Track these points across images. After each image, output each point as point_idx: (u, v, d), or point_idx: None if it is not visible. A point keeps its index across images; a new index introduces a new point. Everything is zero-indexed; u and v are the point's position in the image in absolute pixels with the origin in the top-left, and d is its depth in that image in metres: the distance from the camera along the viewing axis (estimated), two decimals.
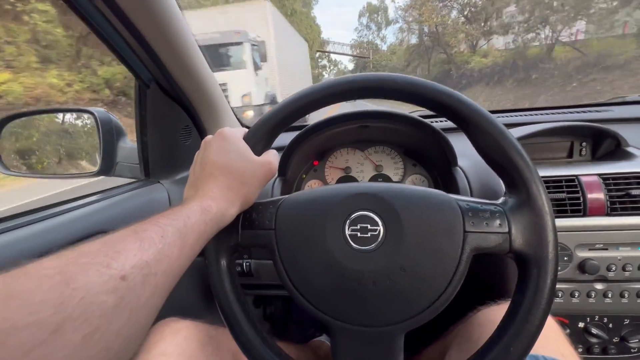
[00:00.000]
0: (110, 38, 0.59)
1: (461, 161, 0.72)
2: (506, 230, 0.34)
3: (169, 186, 0.79)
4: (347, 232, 0.37)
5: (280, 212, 0.39)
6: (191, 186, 0.39)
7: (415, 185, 0.79)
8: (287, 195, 0.42)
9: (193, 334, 0.48)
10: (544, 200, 0.33)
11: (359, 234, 0.37)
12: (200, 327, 0.50)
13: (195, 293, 0.85)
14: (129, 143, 0.80)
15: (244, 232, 0.40)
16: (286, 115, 0.40)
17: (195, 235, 0.31)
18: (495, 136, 0.35)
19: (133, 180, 0.79)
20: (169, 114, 0.76)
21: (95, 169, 0.78)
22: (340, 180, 0.85)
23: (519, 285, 0.34)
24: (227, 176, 0.37)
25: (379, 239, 0.36)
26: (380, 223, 0.36)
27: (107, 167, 0.79)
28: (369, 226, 0.37)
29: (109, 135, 0.78)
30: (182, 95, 0.74)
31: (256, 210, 0.40)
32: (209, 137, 0.41)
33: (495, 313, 0.50)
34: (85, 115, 0.79)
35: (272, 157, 0.41)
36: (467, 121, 0.36)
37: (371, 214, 0.37)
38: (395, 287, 0.35)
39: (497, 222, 0.34)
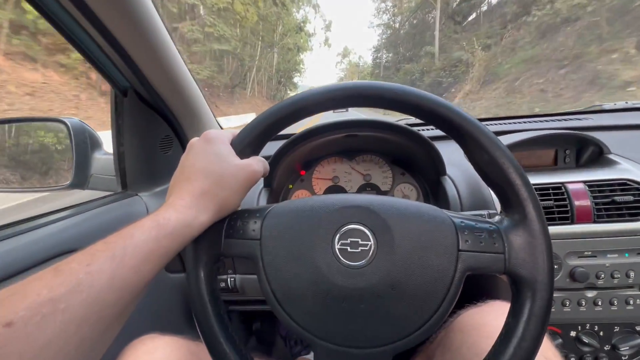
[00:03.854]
0: (83, 43, 0.56)
1: (450, 170, 0.71)
2: (502, 250, 0.32)
3: (148, 199, 0.75)
4: (337, 247, 0.35)
5: (267, 222, 0.37)
6: (168, 192, 0.37)
7: (406, 197, 0.80)
8: (275, 204, 0.39)
9: (172, 351, 0.45)
10: (540, 221, 0.32)
11: (348, 249, 0.35)
12: (180, 343, 0.47)
13: (178, 309, 0.80)
14: (105, 154, 0.76)
15: (227, 241, 0.37)
16: (277, 120, 0.38)
17: (140, 256, 0.30)
18: (493, 153, 0.34)
19: (109, 193, 0.75)
20: (147, 124, 0.72)
21: (67, 181, 0.74)
22: (328, 190, 0.83)
23: (513, 309, 0.33)
24: (202, 180, 0.35)
25: (370, 255, 0.34)
26: (371, 238, 0.35)
27: (81, 180, 0.74)
28: (359, 241, 0.35)
29: (83, 145, 0.74)
30: (161, 104, 0.70)
31: (241, 218, 0.38)
32: (194, 139, 0.39)
33: (475, 317, 0.50)
34: (57, 125, 0.74)
35: (254, 161, 0.39)
36: (465, 135, 0.35)
37: (363, 228, 0.35)
38: (385, 306, 0.33)
39: (493, 241, 0.33)
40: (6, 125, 0.74)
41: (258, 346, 1.11)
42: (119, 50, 0.56)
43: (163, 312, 0.77)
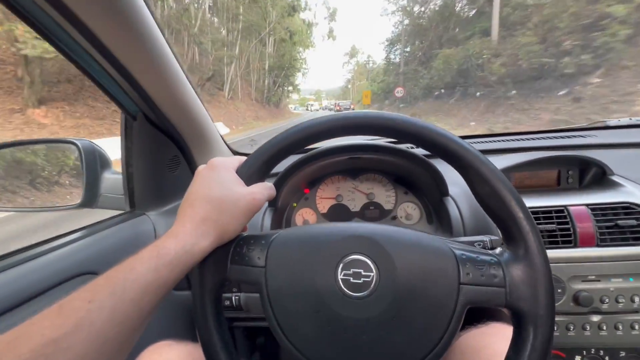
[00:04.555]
0: (92, 71, 0.58)
1: (452, 189, 0.71)
2: (502, 284, 0.33)
3: (156, 218, 0.77)
4: (340, 277, 0.35)
5: (272, 249, 0.38)
6: (175, 220, 0.38)
7: (409, 216, 0.80)
8: (279, 231, 0.40)
9: None
10: (542, 255, 0.33)
11: (351, 279, 0.35)
12: (196, 353, 0.48)
13: (183, 326, 0.81)
14: (114, 174, 0.78)
15: (233, 267, 0.38)
16: (283, 147, 0.39)
17: (139, 288, 0.30)
18: (494, 185, 0.34)
19: (118, 213, 0.77)
20: (156, 145, 0.74)
21: (77, 201, 0.76)
22: (331, 209, 0.84)
23: (514, 343, 0.33)
24: (203, 206, 0.36)
25: (372, 286, 0.35)
26: (374, 269, 0.35)
27: (90, 199, 0.76)
28: (362, 271, 0.35)
29: (93, 166, 0.76)
30: (169, 126, 0.72)
31: (247, 244, 0.39)
32: (201, 167, 0.40)
33: (476, 339, 0.50)
34: (69, 146, 0.76)
35: (257, 188, 0.39)
36: (467, 167, 0.36)
37: (365, 259, 0.36)
38: (386, 337, 0.34)
39: (494, 274, 0.33)
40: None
41: None
42: (127, 77, 0.58)
43: (169, 329, 0.78)
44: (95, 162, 0.76)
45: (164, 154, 0.76)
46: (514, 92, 12.23)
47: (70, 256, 0.56)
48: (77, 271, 0.56)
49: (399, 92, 20.81)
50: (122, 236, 0.68)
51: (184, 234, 0.34)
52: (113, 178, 0.78)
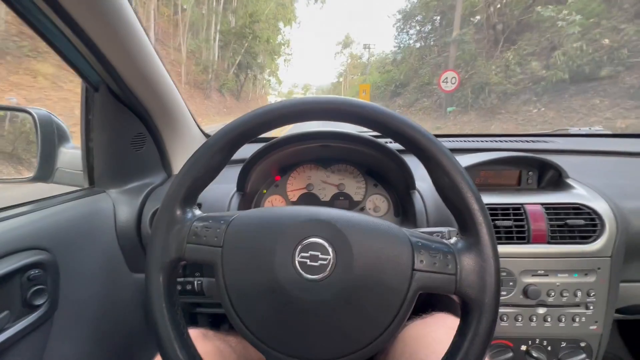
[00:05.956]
0: (51, 35, 0.54)
1: (420, 184, 0.73)
2: (453, 271, 0.34)
3: (116, 196, 0.73)
4: (297, 259, 0.35)
5: (230, 230, 0.37)
6: None
7: (377, 208, 0.81)
8: (239, 212, 0.40)
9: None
10: (492, 246, 0.34)
11: (308, 262, 0.35)
12: (224, 346, 0.53)
13: (142, 308, 0.79)
14: (73, 148, 0.74)
15: (190, 246, 0.37)
16: (251, 127, 0.38)
17: None
18: (454, 177, 0.35)
19: (75, 189, 0.73)
20: (119, 120, 0.70)
21: (30, 174, 0.71)
22: (301, 197, 0.84)
23: (460, 328, 0.34)
24: None
25: (328, 269, 0.35)
26: (331, 252, 0.35)
27: (45, 173, 0.72)
28: (319, 254, 0.35)
29: (50, 137, 0.72)
30: (134, 101, 0.69)
31: (206, 224, 0.38)
32: None
33: (420, 329, 0.51)
34: (23, 115, 0.71)
35: None
36: (429, 158, 0.36)
37: (323, 242, 0.36)
38: (339, 320, 0.34)
39: (446, 262, 0.34)
40: None
41: None
42: (89, 45, 0.55)
43: (128, 313, 0.75)
44: (52, 133, 0.72)
45: (128, 129, 0.73)
46: None
47: (16, 229, 0.53)
48: (24, 245, 0.52)
49: (449, 81, 9.83)
50: (77, 213, 0.65)
51: None
52: (72, 152, 0.74)
